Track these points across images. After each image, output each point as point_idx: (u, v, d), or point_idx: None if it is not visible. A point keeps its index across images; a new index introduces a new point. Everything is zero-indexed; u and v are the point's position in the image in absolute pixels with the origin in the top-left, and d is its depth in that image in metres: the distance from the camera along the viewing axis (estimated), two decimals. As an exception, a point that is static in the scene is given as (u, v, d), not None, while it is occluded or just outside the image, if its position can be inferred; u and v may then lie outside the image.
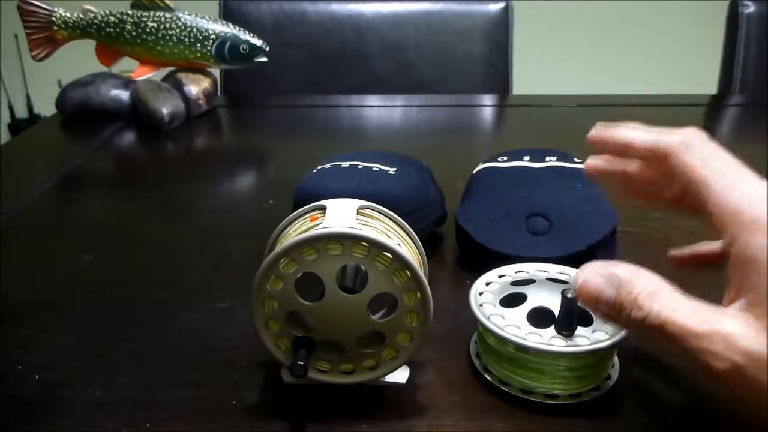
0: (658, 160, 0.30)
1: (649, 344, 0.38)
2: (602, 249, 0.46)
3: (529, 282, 0.37)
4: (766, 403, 0.24)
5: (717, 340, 0.24)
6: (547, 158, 0.51)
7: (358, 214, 0.34)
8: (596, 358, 0.34)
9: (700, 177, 0.28)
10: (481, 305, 0.36)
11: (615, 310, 0.27)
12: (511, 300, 0.36)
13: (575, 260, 0.44)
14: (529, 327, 0.34)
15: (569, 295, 0.33)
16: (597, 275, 0.28)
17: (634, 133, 0.31)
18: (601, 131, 0.33)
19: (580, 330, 0.33)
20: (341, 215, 0.33)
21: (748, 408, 0.25)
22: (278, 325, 0.32)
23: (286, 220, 0.36)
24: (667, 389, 0.36)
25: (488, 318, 0.35)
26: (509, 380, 0.35)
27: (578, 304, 0.31)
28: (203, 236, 0.56)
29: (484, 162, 0.54)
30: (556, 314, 0.34)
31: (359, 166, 0.50)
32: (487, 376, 0.36)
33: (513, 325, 0.34)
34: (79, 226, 0.59)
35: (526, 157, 0.52)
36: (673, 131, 0.30)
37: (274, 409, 0.35)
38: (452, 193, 0.54)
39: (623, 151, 0.32)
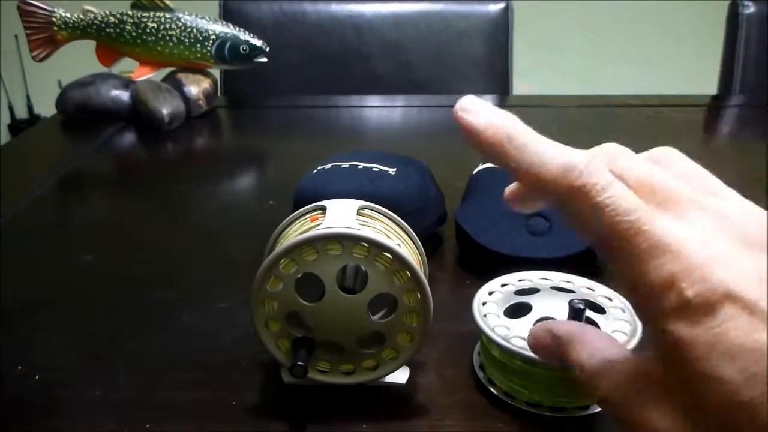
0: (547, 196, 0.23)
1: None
2: (602, 249, 0.46)
3: (534, 291, 0.37)
4: None
5: None
6: (547, 158, 0.51)
7: (358, 214, 0.34)
8: None
9: (600, 241, 0.22)
10: (484, 316, 0.35)
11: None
12: (516, 310, 0.36)
13: (576, 261, 0.44)
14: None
15: (576, 306, 0.32)
16: (543, 331, 0.28)
17: (512, 143, 0.23)
18: (462, 114, 0.24)
19: None
20: (341, 216, 0.33)
21: None
22: (278, 326, 0.32)
23: (286, 220, 0.36)
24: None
25: (493, 329, 0.34)
26: (515, 393, 0.34)
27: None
28: (203, 236, 0.56)
29: (484, 162, 0.54)
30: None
31: (359, 167, 0.50)
32: (492, 389, 0.35)
33: (519, 337, 0.33)
34: (79, 226, 0.59)
35: (526, 158, 0.52)
36: (573, 158, 0.22)
37: (274, 410, 0.35)
38: (452, 194, 0.54)
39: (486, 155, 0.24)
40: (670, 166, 0.23)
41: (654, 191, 0.22)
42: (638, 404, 0.22)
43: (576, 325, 0.27)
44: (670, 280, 0.21)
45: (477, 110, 0.24)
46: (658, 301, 0.21)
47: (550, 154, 0.23)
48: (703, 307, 0.20)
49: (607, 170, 0.22)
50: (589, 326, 0.27)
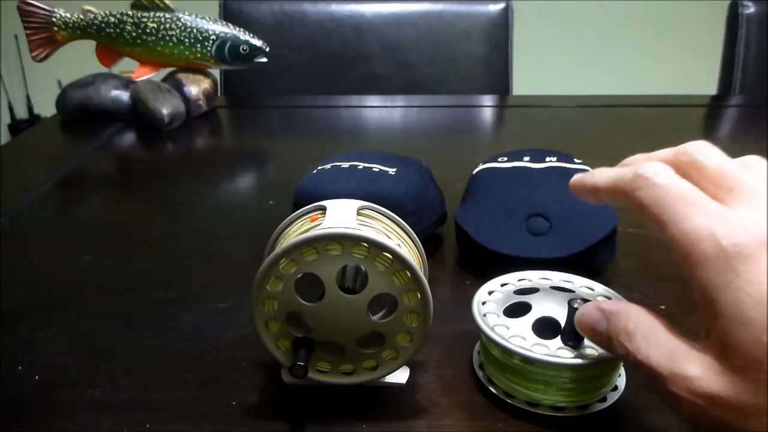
0: (623, 198, 0.29)
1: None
2: (602, 249, 0.46)
3: (533, 291, 0.37)
4: None
5: (680, 384, 0.25)
6: (547, 159, 0.51)
7: (358, 214, 0.34)
8: (604, 369, 0.33)
9: (653, 215, 0.27)
10: (484, 315, 0.35)
11: (606, 343, 0.29)
12: (515, 310, 0.36)
13: (576, 261, 0.44)
14: (534, 338, 0.33)
15: (576, 305, 0.32)
16: (593, 308, 0.30)
17: (597, 177, 0.30)
18: (575, 182, 0.32)
19: (587, 340, 0.33)
20: (341, 216, 0.33)
21: None
22: (278, 326, 0.32)
23: (286, 220, 0.36)
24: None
25: (492, 329, 0.34)
26: (514, 392, 0.34)
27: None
28: (203, 236, 0.56)
29: (484, 162, 0.54)
30: (562, 324, 0.33)
31: (359, 167, 0.50)
32: (492, 388, 0.35)
33: (518, 336, 0.33)
34: (79, 226, 0.59)
35: (526, 158, 0.52)
36: (629, 164, 0.29)
37: (274, 410, 0.35)
38: (452, 194, 0.54)
39: (596, 195, 0.31)
40: (751, 167, 0.28)
41: (719, 178, 0.27)
42: (674, 359, 0.25)
43: (622, 302, 0.30)
44: (708, 232, 0.25)
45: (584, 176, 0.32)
46: (698, 252, 0.25)
47: (624, 170, 0.29)
48: (738, 256, 0.24)
49: (662, 164, 0.28)
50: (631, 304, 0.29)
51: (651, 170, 0.27)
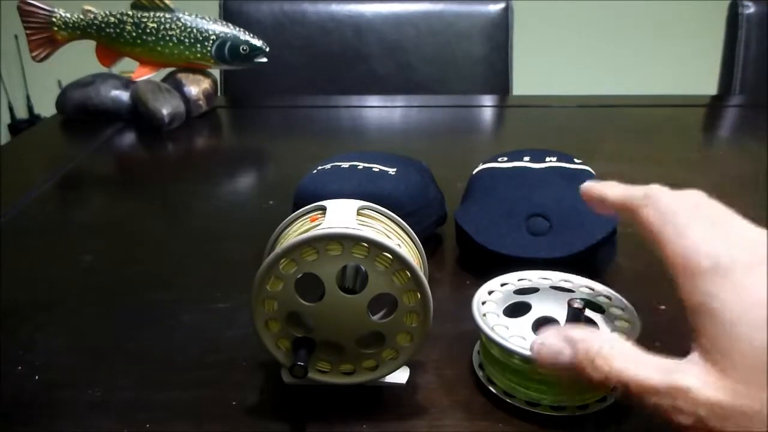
0: (630, 213, 0.30)
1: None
2: (602, 249, 0.46)
3: (533, 291, 0.37)
4: None
5: (679, 396, 0.24)
6: (547, 159, 0.51)
7: (358, 214, 0.34)
8: None
9: (656, 231, 0.28)
10: (484, 315, 0.35)
11: (577, 370, 0.28)
12: (515, 309, 0.36)
13: (575, 261, 0.44)
14: (534, 338, 0.34)
15: (575, 305, 0.32)
16: (553, 337, 0.29)
17: (608, 190, 0.32)
18: (586, 189, 0.34)
19: None
20: (341, 216, 0.33)
21: None
22: (278, 326, 0.32)
23: (286, 220, 0.36)
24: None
25: (492, 329, 0.34)
26: (514, 392, 0.34)
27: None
28: (203, 236, 0.56)
29: (484, 162, 0.54)
30: (562, 324, 0.33)
31: (359, 167, 0.50)
32: (491, 388, 0.35)
33: (518, 336, 0.33)
34: (79, 226, 0.59)
35: (526, 158, 0.52)
36: (641, 188, 0.30)
37: (274, 410, 0.35)
38: (452, 194, 0.54)
39: (602, 205, 0.32)
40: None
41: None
42: (668, 373, 0.25)
43: (587, 328, 0.29)
44: (709, 249, 0.26)
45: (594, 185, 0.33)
46: (694, 264, 0.26)
47: (635, 188, 0.31)
48: (736, 270, 0.25)
49: (669, 191, 0.29)
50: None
51: (659, 191, 0.29)
